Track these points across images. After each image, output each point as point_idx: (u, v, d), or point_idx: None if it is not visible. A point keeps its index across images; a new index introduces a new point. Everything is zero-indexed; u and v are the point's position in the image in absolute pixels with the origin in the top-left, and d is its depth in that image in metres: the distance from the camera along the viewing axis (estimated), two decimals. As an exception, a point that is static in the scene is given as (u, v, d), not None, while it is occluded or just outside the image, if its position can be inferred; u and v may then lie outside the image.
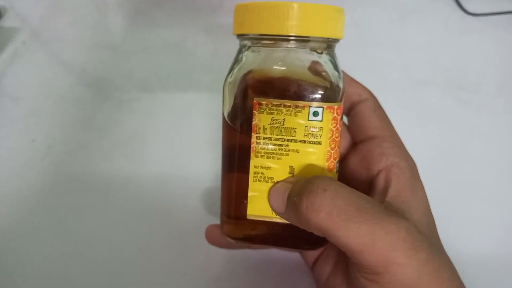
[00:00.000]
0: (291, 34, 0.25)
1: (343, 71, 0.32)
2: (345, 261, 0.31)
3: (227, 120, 0.28)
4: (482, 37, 0.48)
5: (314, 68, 0.27)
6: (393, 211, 0.26)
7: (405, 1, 0.49)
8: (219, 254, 0.38)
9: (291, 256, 0.37)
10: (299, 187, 0.25)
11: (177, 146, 0.43)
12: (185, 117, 0.44)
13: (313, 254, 0.34)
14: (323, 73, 0.27)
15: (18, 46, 0.49)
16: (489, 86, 0.47)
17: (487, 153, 0.44)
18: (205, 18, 0.48)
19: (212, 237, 0.33)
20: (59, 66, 0.47)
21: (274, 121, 0.26)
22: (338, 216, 0.23)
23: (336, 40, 0.27)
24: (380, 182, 0.28)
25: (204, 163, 0.42)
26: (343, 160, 0.32)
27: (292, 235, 0.28)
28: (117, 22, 0.49)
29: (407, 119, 0.44)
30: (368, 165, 0.29)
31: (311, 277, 0.36)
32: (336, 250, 0.33)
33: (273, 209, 0.27)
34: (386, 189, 0.28)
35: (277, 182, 0.27)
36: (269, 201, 0.27)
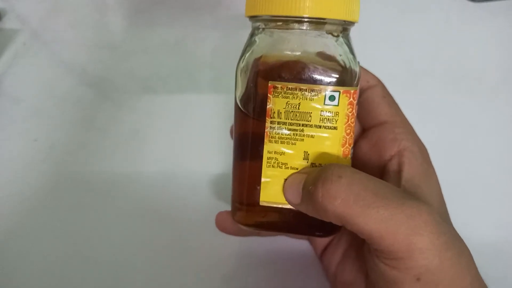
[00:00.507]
0: (305, 15, 0.25)
1: None
2: (355, 248, 0.31)
3: (240, 105, 0.27)
4: (485, 25, 0.48)
5: (325, 54, 0.26)
6: (412, 195, 0.25)
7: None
8: (221, 253, 0.37)
9: (299, 253, 0.37)
10: (314, 176, 0.24)
11: (178, 145, 0.43)
12: (186, 116, 0.44)
13: (322, 242, 0.34)
14: (340, 56, 0.26)
15: (19, 47, 0.48)
16: (492, 75, 0.46)
17: (491, 144, 0.44)
18: (204, 16, 0.48)
19: (223, 224, 0.32)
20: (59, 66, 0.47)
21: (289, 105, 0.26)
22: (355, 202, 0.23)
23: (352, 23, 0.27)
24: (394, 167, 0.28)
25: (205, 162, 0.41)
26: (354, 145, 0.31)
27: (304, 222, 0.27)
28: (117, 22, 0.49)
29: (409, 110, 0.43)
30: (380, 151, 0.29)
31: (319, 275, 0.35)
32: (346, 238, 0.32)
33: (289, 202, 0.26)
34: (400, 173, 0.27)
35: (292, 174, 0.26)
36: (284, 194, 0.26)
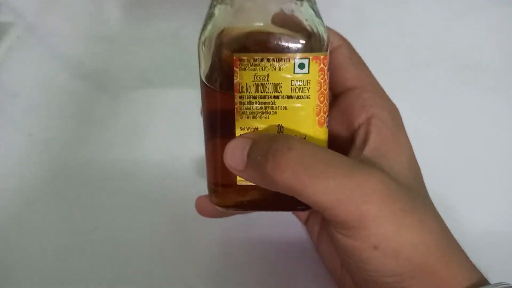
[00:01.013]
0: None
1: None
2: None
3: (205, 81, 0.26)
4: (488, 14, 0.47)
5: (288, 18, 0.25)
6: (368, 164, 0.24)
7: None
8: (223, 244, 0.37)
9: (294, 247, 0.36)
10: (263, 145, 0.24)
11: (175, 138, 0.42)
12: (184, 109, 0.43)
13: (304, 212, 0.33)
14: (306, 21, 0.25)
15: (13, 40, 0.48)
16: (495, 64, 0.45)
17: (494, 132, 0.42)
18: (201, 7, 0.47)
19: (203, 208, 0.31)
20: (55, 60, 0.47)
21: (258, 78, 0.25)
22: (305, 173, 0.22)
23: None
24: (360, 136, 0.27)
25: (204, 155, 0.41)
26: None
27: (285, 198, 0.25)
28: (113, 14, 0.49)
29: (411, 100, 0.42)
30: (348, 120, 0.28)
31: (314, 271, 0.34)
32: None
33: (229, 166, 0.25)
34: (365, 143, 0.26)
35: (234, 138, 0.25)
36: (225, 159, 0.25)
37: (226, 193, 0.27)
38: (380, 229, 0.21)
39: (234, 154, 0.25)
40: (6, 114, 0.44)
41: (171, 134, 0.42)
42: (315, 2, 0.26)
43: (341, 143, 0.28)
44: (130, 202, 0.39)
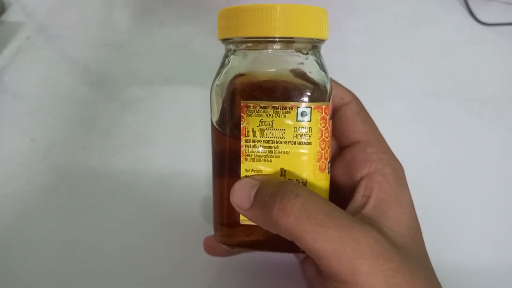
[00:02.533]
0: (275, 35, 0.25)
1: None
2: None
3: (216, 125, 0.28)
4: (495, 48, 0.48)
5: (297, 71, 0.27)
6: (365, 222, 0.25)
7: (418, 9, 0.49)
8: (220, 258, 0.38)
9: (289, 259, 0.37)
10: (272, 188, 0.25)
11: (181, 147, 0.43)
12: (189, 119, 0.44)
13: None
14: (309, 73, 0.26)
15: (22, 41, 0.48)
16: (502, 98, 0.46)
17: (499, 166, 0.43)
18: (212, 20, 0.47)
19: (211, 247, 0.33)
20: (62, 63, 0.47)
21: (263, 123, 0.26)
22: (307, 220, 0.23)
23: (321, 41, 0.27)
24: (360, 190, 0.28)
25: (208, 165, 0.41)
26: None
27: (283, 241, 0.27)
28: (123, 20, 0.49)
29: (419, 129, 0.44)
30: (351, 172, 0.29)
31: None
32: None
33: (235, 204, 0.27)
34: (366, 199, 0.27)
35: (242, 178, 0.27)
36: (231, 195, 0.27)
37: (231, 232, 0.29)
38: (370, 286, 0.23)
39: (242, 193, 0.26)
40: (10, 117, 0.44)
41: (175, 145, 0.43)
42: (320, 56, 0.27)
43: (343, 192, 0.29)
44: (132, 210, 0.40)
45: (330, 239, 0.23)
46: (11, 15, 0.49)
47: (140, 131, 0.44)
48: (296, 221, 0.23)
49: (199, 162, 0.42)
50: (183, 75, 0.46)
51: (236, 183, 0.27)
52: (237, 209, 0.27)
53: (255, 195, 0.26)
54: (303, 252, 0.28)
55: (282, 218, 0.24)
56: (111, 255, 0.38)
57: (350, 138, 0.30)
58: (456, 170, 0.42)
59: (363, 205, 0.27)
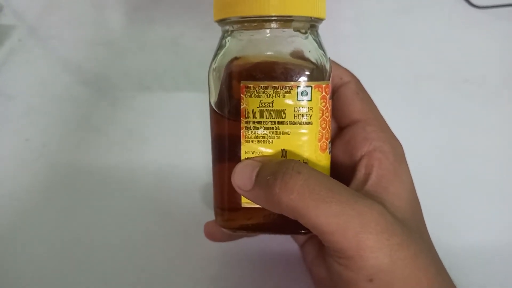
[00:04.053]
0: (272, 14, 0.25)
1: None
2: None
3: (214, 108, 0.28)
4: (487, 30, 0.48)
5: (296, 52, 0.26)
6: (370, 197, 0.25)
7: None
8: (219, 252, 0.38)
9: (290, 254, 0.37)
10: (273, 167, 0.25)
11: (174, 143, 0.43)
12: (182, 115, 0.44)
13: (302, 236, 0.34)
14: (309, 52, 0.26)
15: (14, 43, 0.48)
16: (494, 79, 0.46)
17: (493, 147, 0.43)
18: (202, 14, 0.48)
19: (211, 233, 0.33)
20: (55, 64, 0.47)
21: (263, 104, 0.26)
22: (309, 196, 0.23)
23: (319, 20, 0.27)
24: (361, 168, 0.28)
25: (202, 161, 0.41)
26: None
27: (288, 221, 0.27)
28: (113, 19, 0.49)
29: (411, 113, 0.44)
30: (351, 151, 0.29)
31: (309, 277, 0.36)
32: None
33: (237, 186, 0.26)
34: (367, 176, 0.27)
35: (243, 160, 0.27)
36: (233, 178, 0.26)
37: (232, 216, 0.28)
38: (376, 261, 0.22)
39: (243, 174, 0.26)
40: (4, 117, 0.44)
41: (169, 141, 0.42)
42: (318, 35, 0.27)
43: (343, 172, 0.29)
44: (127, 208, 0.40)
45: (333, 214, 0.23)
46: (3, 19, 0.49)
47: (134, 127, 0.43)
48: (299, 197, 0.23)
49: (194, 156, 0.42)
50: (175, 70, 0.46)
51: (237, 165, 0.26)
52: (238, 191, 0.26)
53: (257, 176, 0.25)
54: (305, 233, 0.28)
55: (284, 196, 0.24)
56: (109, 252, 0.38)
57: (349, 117, 0.30)
58: (451, 152, 0.42)
59: (365, 182, 0.27)
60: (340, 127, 0.31)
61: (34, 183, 0.41)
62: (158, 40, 0.47)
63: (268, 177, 0.24)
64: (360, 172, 0.28)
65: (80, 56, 0.47)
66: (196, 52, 0.46)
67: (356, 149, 0.28)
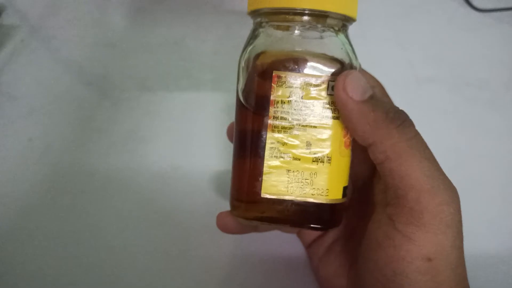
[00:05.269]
0: (306, 7, 0.25)
1: None
2: (340, 243, 0.31)
3: (241, 98, 0.28)
4: (489, 33, 0.49)
5: (328, 50, 0.27)
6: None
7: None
8: (221, 254, 0.37)
9: (294, 256, 0.37)
10: (390, 105, 0.26)
11: (176, 145, 0.42)
12: (185, 116, 0.44)
13: (309, 236, 0.34)
14: (341, 49, 0.27)
15: (17, 44, 0.48)
16: (496, 82, 0.47)
17: (495, 150, 0.44)
18: (205, 15, 0.48)
19: (224, 223, 0.32)
20: (58, 64, 0.47)
21: (293, 95, 0.26)
22: (420, 147, 0.25)
23: (352, 20, 0.27)
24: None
25: (204, 162, 0.41)
26: None
27: (303, 216, 0.27)
28: (116, 19, 0.49)
29: (413, 116, 0.43)
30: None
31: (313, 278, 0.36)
32: (332, 233, 0.33)
33: (345, 91, 0.25)
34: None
35: (350, 72, 0.26)
36: (340, 87, 0.25)
37: (249, 206, 0.28)
38: (444, 237, 0.23)
39: (358, 84, 0.25)
40: (7, 118, 0.43)
41: (172, 142, 0.42)
42: (348, 36, 0.28)
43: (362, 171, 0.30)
44: (129, 209, 0.39)
45: (428, 174, 0.24)
46: (6, 19, 0.49)
47: (137, 128, 0.43)
48: (413, 143, 0.24)
49: (197, 157, 0.42)
50: (177, 72, 0.46)
51: (347, 73, 0.25)
52: (342, 96, 0.25)
53: (371, 97, 0.25)
54: (314, 228, 0.28)
55: (402, 136, 0.24)
56: (110, 252, 0.37)
57: None
58: (453, 155, 0.43)
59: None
60: None
61: (36, 183, 0.40)
62: (161, 41, 0.48)
63: (391, 114, 0.25)
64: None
65: (83, 57, 0.47)
66: (198, 53, 0.47)
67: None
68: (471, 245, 0.37)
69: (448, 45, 0.48)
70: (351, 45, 0.28)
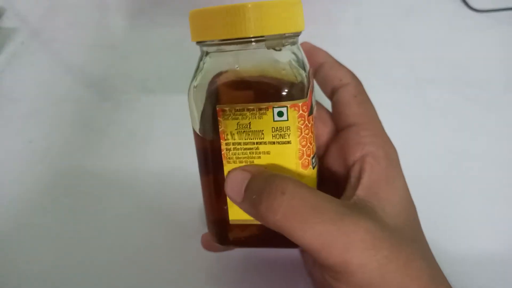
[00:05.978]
0: (243, 36, 0.24)
1: (326, 53, 0.31)
2: None
3: (195, 129, 0.28)
4: (487, 34, 0.47)
5: (273, 71, 0.26)
6: (357, 209, 0.25)
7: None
8: (220, 255, 0.38)
9: (289, 256, 0.37)
10: (259, 184, 0.25)
11: (177, 146, 0.43)
12: (185, 117, 0.43)
13: None
14: (283, 71, 0.26)
15: (17, 46, 0.49)
16: (495, 83, 0.45)
17: (494, 151, 0.42)
18: None
19: (208, 244, 0.33)
20: (58, 66, 0.47)
21: (240, 126, 0.26)
22: (294, 218, 0.23)
23: (296, 33, 0.26)
24: (354, 174, 0.27)
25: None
26: (326, 150, 0.31)
27: (274, 238, 0.27)
28: (116, 22, 0.49)
29: (413, 117, 0.43)
30: (344, 156, 0.28)
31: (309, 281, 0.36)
32: None
33: (229, 195, 0.26)
34: (358, 182, 0.27)
35: (233, 169, 0.26)
36: (226, 189, 0.26)
37: (223, 230, 0.29)
38: (365, 276, 0.22)
39: (233, 186, 0.26)
40: (8, 119, 0.45)
41: (172, 144, 0.43)
42: (297, 48, 0.27)
43: (339, 177, 0.29)
44: (129, 210, 0.40)
45: (318, 234, 0.23)
46: (6, 21, 0.50)
47: (137, 129, 0.44)
48: (284, 218, 0.23)
49: (195, 160, 0.41)
50: (177, 73, 0.45)
51: (229, 173, 0.26)
52: (231, 200, 0.27)
53: (245, 190, 0.25)
54: (292, 247, 0.28)
55: (270, 216, 0.24)
56: (111, 253, 0.39)
57: (345, 121, 0.29)
58: (453, 156, 0.42)
59: (355, 188, 0.26)
60: (337, 130, 0.30)
61: (37, 184, 0.42)
62: (161, 43, 0.47)
63: (254, 196, 0.25)
64: (353, 178, 0.27)
65: (83, 59, 0.48)
66: (198, 55, 0.45)
67: (349, 154, 0.28)
68: (471, 245, 0.38)
69: (447, 45, 0.47)
70: (298, 59, 0.26)
